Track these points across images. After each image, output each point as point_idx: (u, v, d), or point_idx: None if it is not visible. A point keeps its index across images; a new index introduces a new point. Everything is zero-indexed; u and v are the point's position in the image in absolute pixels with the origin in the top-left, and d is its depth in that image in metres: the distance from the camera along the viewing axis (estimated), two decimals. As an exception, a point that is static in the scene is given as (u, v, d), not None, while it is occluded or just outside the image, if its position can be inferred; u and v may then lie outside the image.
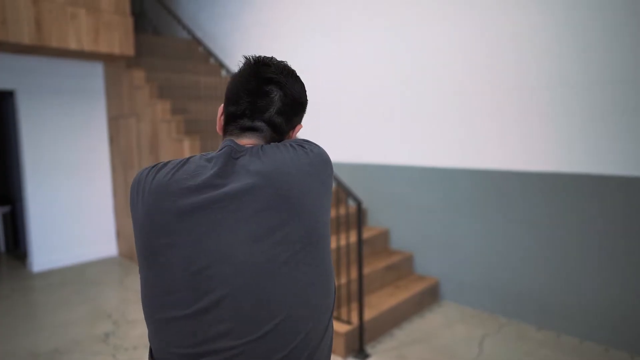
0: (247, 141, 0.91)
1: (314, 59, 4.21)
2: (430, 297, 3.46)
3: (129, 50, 4.40)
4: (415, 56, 3.52)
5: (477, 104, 3.21)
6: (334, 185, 3.91)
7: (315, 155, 0.88)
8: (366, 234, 3.66)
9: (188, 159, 0.88)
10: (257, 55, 0.94)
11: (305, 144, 0.90)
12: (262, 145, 0.88)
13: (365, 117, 3.91)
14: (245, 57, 0.94)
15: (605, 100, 2.67)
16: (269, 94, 0.90)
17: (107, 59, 4.65)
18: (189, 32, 5.20)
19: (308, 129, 3.54)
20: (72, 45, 4.03)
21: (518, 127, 3.02)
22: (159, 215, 0.80)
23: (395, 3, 3.60)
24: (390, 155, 3.77)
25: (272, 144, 0.89)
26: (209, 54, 5.14)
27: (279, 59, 0.96)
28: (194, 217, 0.79)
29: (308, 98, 0.98)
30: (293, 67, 0.97)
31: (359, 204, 2.75)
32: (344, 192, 3.02)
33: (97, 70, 4.87)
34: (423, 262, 3.65)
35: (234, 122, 0.93)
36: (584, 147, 2.77)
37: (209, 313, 0.77)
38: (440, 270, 3.54)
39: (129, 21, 4.42)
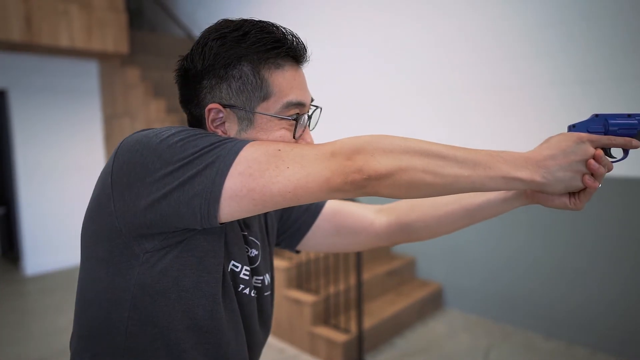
0: None
1: (313, 57, 4.07)
2: (434, 304, 3.31)
3: (123, 48, 4.28)
4: (419, 55, 3.38)
5: (480, 104, 3.06)
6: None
7: (120, 146, 0.65)
8: (366, 238, 3.52)
9: None
10: None
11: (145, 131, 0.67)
12: None
13: (366, 117, 3.77)
14: None
15: (619, 98, 2.52)
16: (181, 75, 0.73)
17: (101, 57, 4.54)
18: (184, 29, 5.09)
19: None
20: (64, 42, 3.92)
21: (523, 127, 2.88)
22: None
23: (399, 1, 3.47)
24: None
25: None
26: (206, 51, 5.02)
27: None
28: None
29: (224, 57, 0.66)
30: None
31: (357, 207, 2.61)
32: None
33: (91, 69, 4.76)
34: (426, 267, 3.51)
35: None
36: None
37: None
38: (444, 275, 3.39)
39: (123, 18, 4.30)
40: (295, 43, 0.68)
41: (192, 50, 0.69)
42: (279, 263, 2.94)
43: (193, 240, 0.66)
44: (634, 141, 0.68)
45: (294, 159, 0.60)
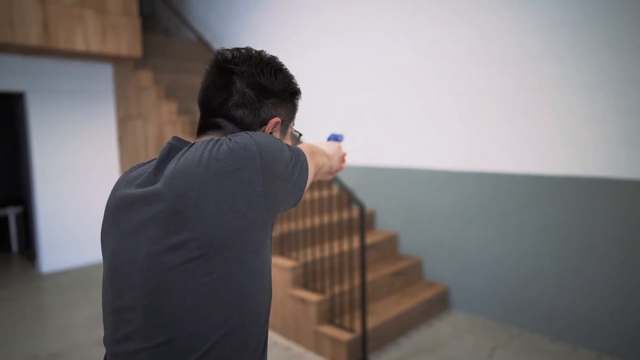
0: (207, 139, 0.86)
1: (324, 58, 4.12)
2: (440, 305, 3.32)
3: (137, 51, 4.38)
4: (425, 56, 3.40)
5: (488, 105, 3.07)
6: (335, 188, 3.82)
7: (237, 150, 0.75)
8: (374, 238, 3.55)
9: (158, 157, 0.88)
10: (226, 48, 0.90)
11: (235, 136, 0.79)
12: (193, 143, 0.82)
13: (375, 118, 3.80)
14: (217, 51, 0.90)
15: (621, 101, 2.51)
16: (227, 87, 0.85)
17: (115, 60, 4.64)
18: (194, 32, 5.18)
19: (316, 131, 3.45)
20: (79, 46, 4.03)
21: (530, 129, 2.88)
22: (107, 207, 0.85)
23: (405, 1, 3.49)
24: (400, 157, 3.65)
25: (203, 140, 0.81)
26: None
27: (282, 57, 0.96)
28: (123, 212, 0.80)
29: (289, 87, 0.90)
30: (302, 65, 0.90)
31: (361, 209, 2.65)
32: (347, 196, 2.92)
33: (106, 72, 4.87)
34: (432, 268, 3.52)
35: (200, 120, 0.90)
36: (600, 150, 2.61)
37: (120, 313, 0.77)
38: (450, 276, 3.40)
39: (137, 22, 4.40)
40: None
41: (262, 69, 0.86)
42: (284, 262, 2.98)
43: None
44: (341, 147, 1.28)
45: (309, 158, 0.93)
